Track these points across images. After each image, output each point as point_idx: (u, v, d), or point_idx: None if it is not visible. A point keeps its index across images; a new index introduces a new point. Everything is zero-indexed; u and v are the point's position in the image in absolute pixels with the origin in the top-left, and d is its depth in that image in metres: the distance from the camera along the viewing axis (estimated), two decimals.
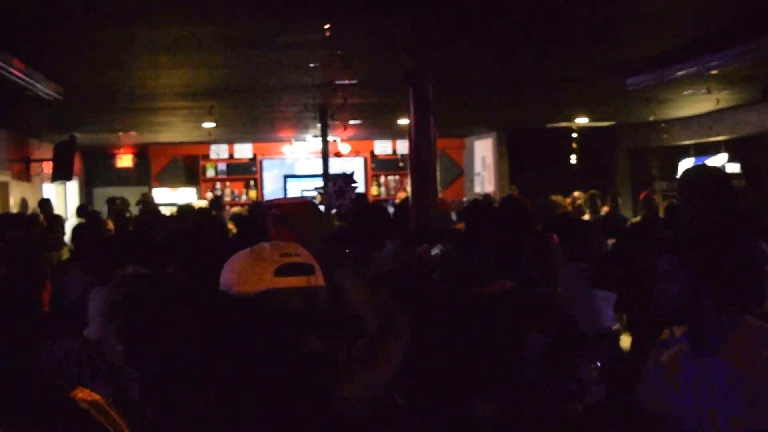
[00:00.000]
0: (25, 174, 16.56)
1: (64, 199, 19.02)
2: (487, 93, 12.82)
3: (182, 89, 11.68)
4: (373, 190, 21.24)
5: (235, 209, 16.12)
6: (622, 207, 14.92)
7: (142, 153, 21.36)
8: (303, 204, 3.57)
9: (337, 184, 6.20)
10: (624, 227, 11.44)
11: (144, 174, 21.32)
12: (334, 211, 7.71)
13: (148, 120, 15.35)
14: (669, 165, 17.65)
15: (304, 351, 2.70)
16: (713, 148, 16.57)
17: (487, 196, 16.03)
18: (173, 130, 17.34)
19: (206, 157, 21.35)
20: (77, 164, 17.32)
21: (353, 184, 6.25)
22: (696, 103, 14.24)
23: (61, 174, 16.37)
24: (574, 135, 17.83)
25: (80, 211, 15.52)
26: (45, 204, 15.18)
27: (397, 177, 21.85)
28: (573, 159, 17.83)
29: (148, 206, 15.30)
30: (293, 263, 2.88)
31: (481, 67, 10.49)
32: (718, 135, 15.92)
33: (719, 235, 3.47)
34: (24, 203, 15.79)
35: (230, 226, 10.20)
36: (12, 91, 9.74)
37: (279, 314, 2.75)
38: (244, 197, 21.37)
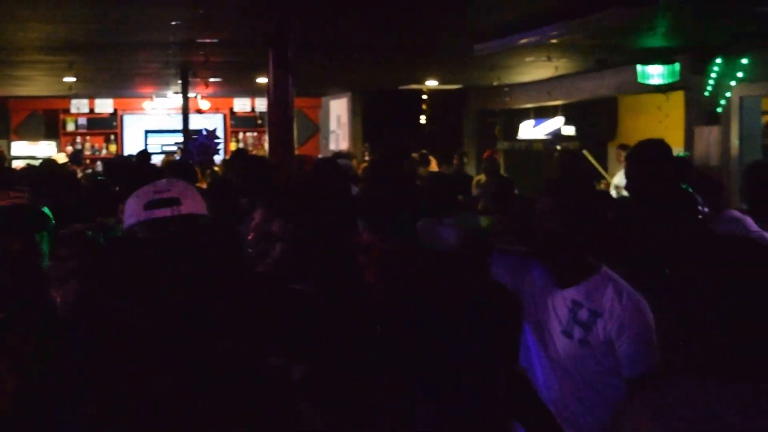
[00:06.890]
0: None
1: None
2: (343, 55, 13.15)
3: (43, 43, 11.54)
4: (232, 146, 21.61)
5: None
6: (467, 165, 15.83)
7: (0, 106, 21.25)
8: None
9: (199, 140, 6.53)
10: (468, 183, 12.35)
11: (3, 127, 21.20)
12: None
13: (6, 73, 15.24)
14: (511, 126, 18.65)
15: None
16: (551, 112, 17.61)
17: (347, 153, 16.48)
18: (33, 84, 17.28)
19: (67, 111, 21.37)
20: None
21: (216, 140, 6.61)
22: (537, 70, 14.99)
23: None
24: (425, 97, 18.56)
25: None
26: None
27: (255, 134, 22.37)
28: (423, 119, 18.55)
29: None
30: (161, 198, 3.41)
31: (338, 30, 10.76)
32: (555, 100, 16.91)
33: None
34: None
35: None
36: None
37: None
38: (104, 152, 21.53)
